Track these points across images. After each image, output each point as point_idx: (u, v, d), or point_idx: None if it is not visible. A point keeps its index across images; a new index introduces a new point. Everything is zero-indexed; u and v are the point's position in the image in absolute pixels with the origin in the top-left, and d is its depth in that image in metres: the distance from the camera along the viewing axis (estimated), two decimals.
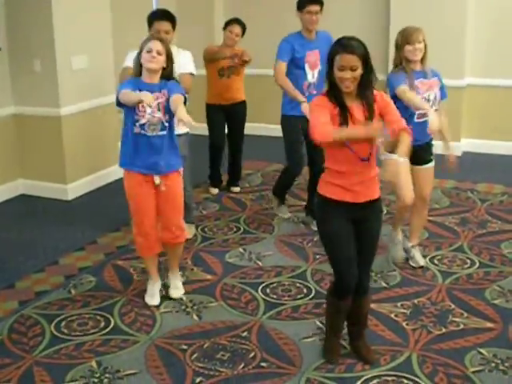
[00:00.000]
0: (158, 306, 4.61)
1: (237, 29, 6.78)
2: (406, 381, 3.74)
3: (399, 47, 4.81)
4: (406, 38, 4.75)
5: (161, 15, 5.47)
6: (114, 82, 6.95)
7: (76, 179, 6.87)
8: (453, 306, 4.56)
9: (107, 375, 3.85)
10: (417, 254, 5.21)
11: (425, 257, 5.34)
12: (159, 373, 3.86)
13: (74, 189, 6.86)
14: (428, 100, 4.80)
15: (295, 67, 5.73)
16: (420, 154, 4.85)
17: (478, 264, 5.23)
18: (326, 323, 4.03)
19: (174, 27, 5.45)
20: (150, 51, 4.31)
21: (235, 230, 6.02)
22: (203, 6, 9.31)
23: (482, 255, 5.38)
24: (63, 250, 5.58)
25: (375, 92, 3.64)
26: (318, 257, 5.38)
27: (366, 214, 3.72)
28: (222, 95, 6.87)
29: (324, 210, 3.74)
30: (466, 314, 4.46)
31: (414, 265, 5.17)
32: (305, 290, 4.84)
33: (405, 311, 4.51)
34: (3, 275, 5.14)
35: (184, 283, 4.95)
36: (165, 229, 4.63)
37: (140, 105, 4.26)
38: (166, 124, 4.41)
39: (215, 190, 7.12)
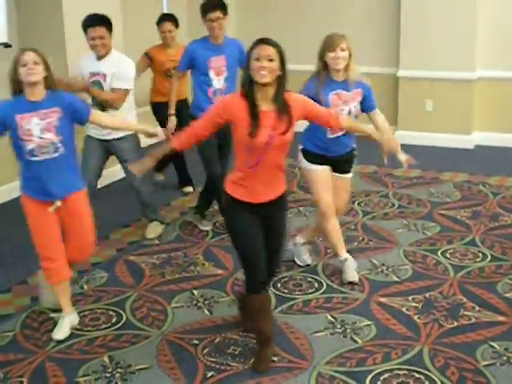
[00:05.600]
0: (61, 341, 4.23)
1: (167, 26, 6.68)
2: (417, 375, 3.74)
3: (321, 54, 4.58)
4: (328, 44, 4.53)
5: (94, 21, 5.33)
6: None
7: None
8: (464, 300, 4.56)
9: (119, 370, 3.86)
10: (305, 252, 5.21)
11: (437, 250, 5.34)
12: (171, 367, 3.87)
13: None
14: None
15: (200, 73, 5.56)
16: (339, 164, 4.83)
17: (489, 257, 5.21)
18: (255, 329, 3.96)
19: (110, 31, 5.36)
20: (25, 64, 3.95)
21: None
22: None
23: (493, 249, 5.37)
24: None
25: (288, 95, 3.66)
26: (329, 251, 5.37)
27: (270, 211, 3.79)
28: (167, 94, 6.57)
29: (231, 207, 3.79)
30: (477, 308, 4.45)
31: (300, 264, 5.15)
32: (316, 285, 4.84)
33: (416, 305, 4.51)
34: (15, 271, 5.17)
35: (195, 278, 4.97)
36: (75, 250, 4.35)
37: (24, 129, 3.97)
38: (60, 145, 4.06)
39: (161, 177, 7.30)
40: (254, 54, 3.56)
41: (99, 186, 6.99)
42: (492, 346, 4.00)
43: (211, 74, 5.51)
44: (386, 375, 3.75)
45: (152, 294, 4.75)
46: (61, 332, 4.24)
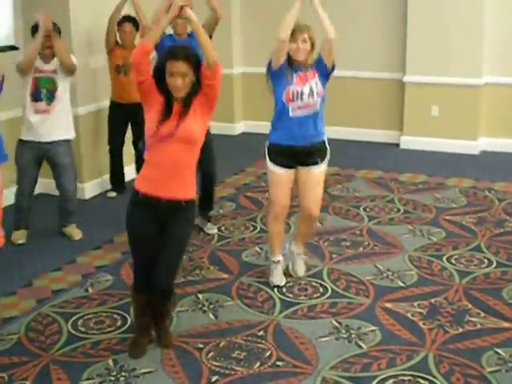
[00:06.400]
0: None
1: (128, 27, 6.65)
2: (422, 381, 3.73)
3: None
4: (290, 35, 4.50)
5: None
6: None
7: (92, 178, 6.90)
8: (470, 306, 4.55)
9: (123, 374, 3.86)
10: (301, 263, 5.03)
11: (442, 256, 5.33)
12: (175, 371, 3.87)
13: (90, 188, 6.88)
14: (302, 93, 4.57)
15: None
16: (307, 156, 4.72)
17: (495, 263, 5.20)
18: (134, 319, 4.24)
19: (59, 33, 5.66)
20: None
21: (252, 229, 6.03)
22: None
23: (499, 255, 5.36)
24: (80, 249, 5.60)
25: None
26: (334, 256, 5.37)
27: (172, 216, 3.82)
28: (121, 94, 6.68)
29: (131, 206, 3.90)
30: (482, 314, 4.44)
31: (292, 274, 5.00)
32: (321, 289, 4.84)
33: (421, 311, 4.50)
34: (21, 274, 5.17)
35: (200, 282, 4.97)
36: None
37: None
38: None
39: (113, 194, 7.01)
40: (168, 69, 3.64)
41: (103, 190, 7.04)
42: (497, 353, 3.99)
43: None
44: (390, 381, 3.74)
45: None
46: None
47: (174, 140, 3.70)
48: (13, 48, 6.70)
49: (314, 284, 4.92)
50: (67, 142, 5.73)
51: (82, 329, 4.36)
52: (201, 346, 4.13)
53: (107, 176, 7.05)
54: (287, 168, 4.72)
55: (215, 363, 3.94)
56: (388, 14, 8.73)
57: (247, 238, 5.81)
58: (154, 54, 5.61)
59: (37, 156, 5.65)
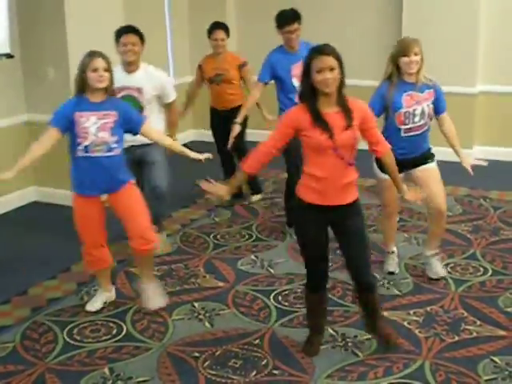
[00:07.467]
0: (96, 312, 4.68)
1: (220, 34, 6.64)
2: None
3: (394, 58, 4.68)
4: (402, 49, 4.63)
5: (127, 29, 5.37)
6: None
7: None
8: (465, 314, 4.55)
9: (119, 382, 3.85)
10: (437, 263, 5.09)
11: None
12: (171, 380, 3.86)
13: None
14: (414, 115, 4.73)
15: (283, 83, 5.76)
16: (415, 162, 4.86)
17: (490, 272, 5.21)
18: (307, 319, 4.26)
19: (142, 41, 5.32)
20: (96, 70, 4.22)
21: (247, 237, 6.02)
22: (215, 3, 9.28)
23: (494, 263, 5.36)
24: (75, 257, 5.57)
25: (352, 99, 3.76)
26: (330, 264, 5.36)
27: (342, 214, 3.85)
28: (216, 101, 6.86)
29: (300, 212, 3.91)
30: (478, 322, 4.44)
31: (432, 276, 5.04)
32: None
33: (417, 319, 4.50)
34: (16, 282, 5.16)
35: (196, 291, 4.97)
36: (133, 236, 4.52)
37: (81, 126, 4.24)
38: (113, 145, 4.32)
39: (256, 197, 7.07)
40: (315, 66, 3.62)
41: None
42: (493, 361, 3.99)
43: (295, 81, 5.56)
44: None
45: None
46: (94, 305, 4.69)
47: (339, 149, 3.68)
48: (8, 56, 6.71)
49: None
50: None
51: (78, 337, 4.35)
52: (197, 354, 4.12)
53: None
54: None
55: (211, 372, 3.94)
56: (383, 23, 8.76)
57: (243, 247, 5.80)
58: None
59: (132, 159, 5.20)
